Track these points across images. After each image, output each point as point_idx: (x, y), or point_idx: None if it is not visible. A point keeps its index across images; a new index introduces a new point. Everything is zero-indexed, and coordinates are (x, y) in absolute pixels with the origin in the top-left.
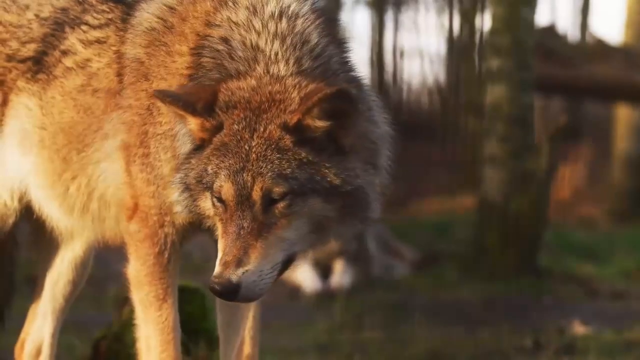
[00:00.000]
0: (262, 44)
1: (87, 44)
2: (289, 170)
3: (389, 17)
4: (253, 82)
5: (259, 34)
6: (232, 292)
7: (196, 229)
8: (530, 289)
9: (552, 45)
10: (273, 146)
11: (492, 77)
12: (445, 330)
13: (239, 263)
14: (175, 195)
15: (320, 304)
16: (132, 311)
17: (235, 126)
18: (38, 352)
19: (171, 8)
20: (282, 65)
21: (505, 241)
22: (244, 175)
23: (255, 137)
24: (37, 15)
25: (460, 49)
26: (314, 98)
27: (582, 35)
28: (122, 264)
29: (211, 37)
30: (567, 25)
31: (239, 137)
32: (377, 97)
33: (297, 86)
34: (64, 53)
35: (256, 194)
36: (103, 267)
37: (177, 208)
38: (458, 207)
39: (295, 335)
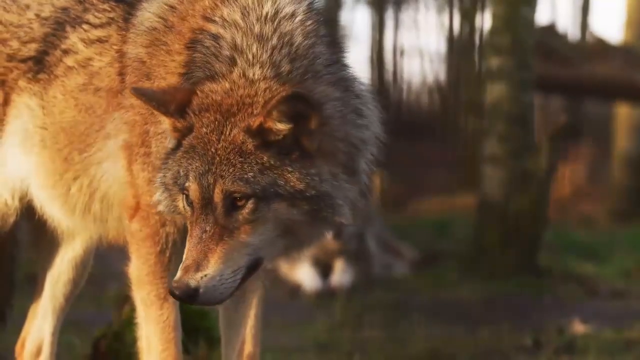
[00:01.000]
0: (244, 45)
1: (88, 43)
2: (250, 174)
3: (389, 16)
4: (227, 85)
5: (244, 34)
6: (190, 297)
7: None
8: (530, 288)
9: (552, 44)
10: (236, 150)
11: (492, 76)
12: (445, 330)
13: (198, 267)
14: (157, 195)
15: (321, 303)
16: (132, 310)
17: (204, 129)
18: (38, 351)
19: (172, 7)
20: (257, 68)
21: (505, 240)
22: (208, 177)
23: (221, 140)
24: (37, 15)
25: (460, 48)
26: (273, 101)
27: (582, 35)
28: (122, 263)
29: (205, 31)
30: (567, 25)
31: (206, 140)
32: (373, 97)
33: (267, 90)
34: (65, 52)
35: (217, 197)
36: (103, 266)
37: (160, 208)
38: (458, 206)
39: (296, 334)
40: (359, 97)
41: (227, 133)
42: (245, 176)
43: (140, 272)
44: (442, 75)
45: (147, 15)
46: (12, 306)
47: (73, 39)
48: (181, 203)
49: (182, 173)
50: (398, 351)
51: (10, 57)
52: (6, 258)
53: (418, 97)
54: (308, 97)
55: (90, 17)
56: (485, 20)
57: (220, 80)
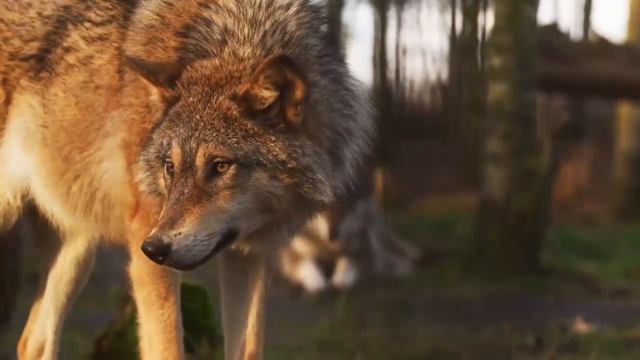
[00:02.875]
0: (235, 28)
1: (89, 40)
2: (234, 139)
3: (391, 15)
4: (217, 62)
5: (236, 19)
6: (162, 253)
7: None
8: (532, 287)
9: (554, 43)
10: (221, 116)
11: (495, 75)
12: (447, 328)
13: (173, 225)
14: (140, 174)
15: (323, 301)
16: (134, 310)
17: (191, 99)
18: (40, 351)
19: (169, 4)
20: (247, 47)
21: (508, 239)
22: (191, 142)
23: (207, 107)
24: (39, 14)
25: (462, 47)
26: (260, 65)
27: (585, 33)
28: (124, 263)
29: (199, 17)
30: (570, 23)
31: (192, 108)
32: (366, 93)
33: (256, 64)
34: (67, 50)
35: (199, 160)
36: (105, 265)
37: (142, 187)
38: (460, 205)
39: (298, 333)
40: (349, 91)
41: (214, 101)
42: (229, 141)
43: (141, 272)
44: (445, 74)
45: (145, 13)
46: (17, 304)
47: (74, 36)
48: (162, 180)
49: (165, 143)
50: (400, 350)
51: (12, 56)
52: (10, 257)
53: (420, 96)
54: (294, 63)
55: (92, 14)
56: (487, 19)
57: (211, 57)
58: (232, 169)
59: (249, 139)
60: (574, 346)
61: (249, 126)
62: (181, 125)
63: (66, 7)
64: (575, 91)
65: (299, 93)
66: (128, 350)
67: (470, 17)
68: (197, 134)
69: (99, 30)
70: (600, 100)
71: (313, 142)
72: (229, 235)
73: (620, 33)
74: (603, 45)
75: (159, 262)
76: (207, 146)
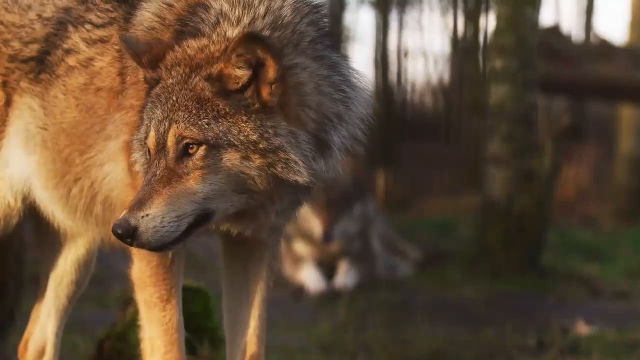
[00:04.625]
0: (229, 11)
1: (90, 42)
2: (205, 120)
3: (393, 17)
4: (204, 42)
5: (232, 3)
6: (129, 235)
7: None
8: (534, 288)
9: (556, 45)
10: (195, 97)
11: (496, 77)
12: (449, 330)
13: (141, 207)
14: (134, 154)
15: (324, 303)
16: (136, 311)
17: (170, 80)
18: (41, 352)
19: (169, 5)
20: (236, 28)
21: (509, 240)
22: (165, 123)
23: (183, 89)
24: (39, 15)
25: (464, 49)
26: (231, 44)
27: (586, 35)
28: (125, 264)
29: (199, 4)
30: (571, 25)
31: (170, 90)
32: (363, 83)
33: None
34: (67, 52)
35: (170, 141)
36: (107, 267)
37: (137, 167)
38: (462, 206)
39: (300, 335)
40: (344, 78)
41: (190, 82)
42: (199, 122)
43: (142, 274)
44: (446, 76)
45: (146, 15)
46: (21, 306)
47: (75, 38)
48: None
49: (147, 125)
50: (402, 351)
51: (12, 58)
52: (14, 259)
53: (422, 98)
54: (265, 41)
55: (92, 16)
56: (489, 21)
57: (199, 38)
58: (201, 150)
59: (220, 120)
60: (576, 348)
61: (220, 107)
62: (159, 107)
63: (66, 9)
64: (577, 93)
65: (271, 72)
66: (129, 352)
67: (472, 19)
68: (171, 115)
69: (99, 33)
70: (602, 102)
71: (290, 123)
72: (203, 217)
73: (622, 35)
74: (604, 47)
75: (129, 244)
76: (177, 127)
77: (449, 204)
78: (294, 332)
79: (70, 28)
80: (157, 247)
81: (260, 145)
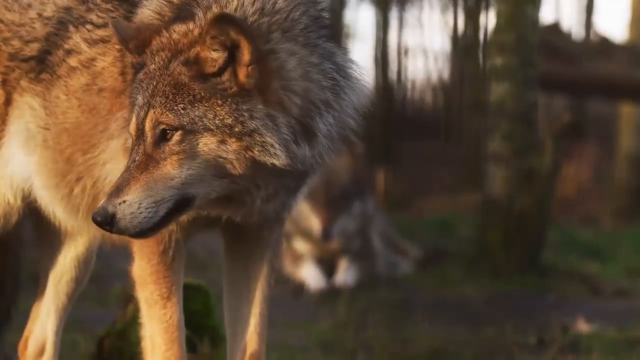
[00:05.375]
0: None
1: (91, 43)
2: (181, 105)
3: (393, 15)
4: (190, 26)
5: None
6: (107, 223)
7: (200, 226)
8: (534, 286)
9: (556, 43)
10: (173, 82)
11: (496, 75)
12: (449, 328)
13: (118, 194)
14: (128, 141)
15: (324, 301)
16: (136, 309)
17: (153, 66)
18: (41, 350)
19: (170, 2)
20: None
21: (509, 239)
22: (145, 109)
23: (163, 74)
24: (39, 14)
25: (464, 47)
26: (205, 26)
27: (587, 33)
28: (126, 262)
29: None
30: (572, 23)
31: (151, 76)
32: (359, 75)
33: None
34: (69, 52)
35: (147, 127)
36: (107, 265)
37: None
38: (462, 204)
39: (300, 333)
40: (337, 66)
41: (170, 67)
42: (175, 107)
43: (143, 271)
44: (446, 74)
45: (146, 12)
46: (19, 304)
47: (76, 38)
48: None
49: (131, 111)
50: (402, 350)
51: (12, 57)
52: (12, 257)
53: (422, 96)
54: (237, 21)
55: (93, 16)
56: (489, 19)
57: (188, 21)
58: (177, 135)
59: (196, 104)
60: (576, 346)
61: (196, 91)
62: (140, 92)
63: (67, 9)
64: (577, 91)
65: (246, 53)
66: (130, 350)
67: (472, 16)
68: (150, 101)
69: (100, 33)
70: (602, 100)
71: (270, 106)
72: (183, 202)
73: (622, 33)
74: (604, 45)
75: (108, 231)
76: (154, 112)
77: (449, 203)
78: (294, 330)
79: (71, 28)
80: (136, 233)
81: (236, 129)
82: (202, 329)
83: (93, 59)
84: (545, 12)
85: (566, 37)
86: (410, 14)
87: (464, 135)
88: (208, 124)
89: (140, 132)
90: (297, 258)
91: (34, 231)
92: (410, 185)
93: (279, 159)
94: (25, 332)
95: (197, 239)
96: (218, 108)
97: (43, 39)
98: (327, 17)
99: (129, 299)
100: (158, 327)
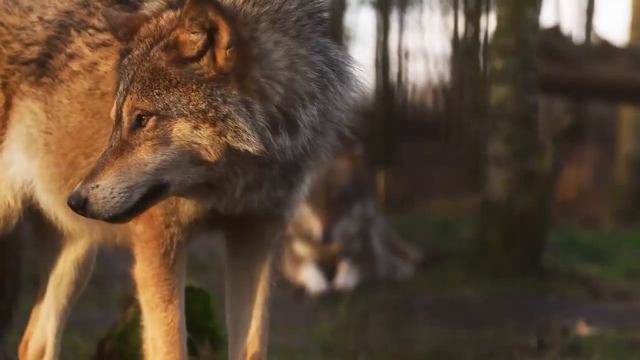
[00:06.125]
0: None
1: (93, 47)
2: (156, 90)
3: (393, 17)
4: (179, 12)
5: None
6: (80, 207)
7: (202, 228)
8: (535, 288)
9: (556, 45)
10: (151, 68)
11: (497, 78)
12: (450, 330)
13: (92, 178)
14: None
15: (325, 304)
16: (137, 311)
17: (137, 52)
18: (42, 352)
19: (169, 2)
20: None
21: (510, 241)
22: (123, 94)
23: (143, 60)
24: (40, 18)
25: (464, 50)
26: (184, 8)
27: (587, 36)
28: (127, 263)
29: None
30: (572, 26)
31: (133, 62)
32: (354, 71)
33: None
34: (71, 57)
35: (124, 112)
36: (108, 267)
37: None
38: (462, 206)
39: (300, 335)
40: (328, 60)
41: (151, 53)
42: (151, 93)
43: (144, 274)
44: (447, 77)
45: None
46: (19, 306)
47: (78, 43)
48: None
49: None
50: (402, 352)
51: (12, 59)
52: (11, 259)
53: (423, 99)
54: (215, 3)
55: (95, 21)
56: (489, 22)
57: (178, 9)
58: (152, 121)
59: (171, 90)
60: (576, 348)
61: (172, 76)
62: (123, 79)
63: (68, 12)
64: (577, 94)
65: (224, 35)
66: (130, 353)
67: (473, 19)
68: (129, 87)
69: (102, 37)
70: (602, 103)
71: (247, 93)
72: (158, 188)
73: (623, 36)
74: (605, 47)
75: (82, 215)
76: (131, 98)
77: (450, 205)
78: (295, 333)
79: (73, 32)
80: (109, 218)
81: (209, 114)
82: (202, 331)
83: (95, 63)
84: (546, 14)
85: (566, 39)
86: (411, 16)
87: (465, 137)
88: (182, 110)
89: (118, 118)
90: (298, 261)
91: (34, 234)
92: (410, 187)
93: (252, 145)
94: (26, 335)
95: (199, 241)
96: (192, 93)
97: (44, 42)
98: (324, 13)
99: (129, 301)
100: (159, 330)
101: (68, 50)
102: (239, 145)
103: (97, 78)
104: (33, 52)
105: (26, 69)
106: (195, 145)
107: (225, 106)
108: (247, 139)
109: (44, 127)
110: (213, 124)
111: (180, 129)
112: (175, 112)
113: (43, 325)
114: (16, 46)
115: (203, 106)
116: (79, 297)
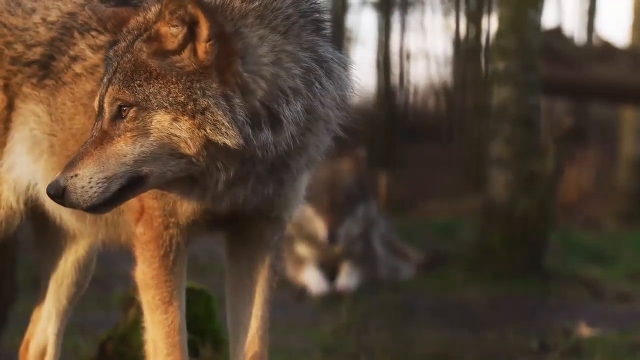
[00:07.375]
0: None
1: (96, 49)
2: (137, 82)
3: (395, 18)
4: (161, 6)
5: None
6: (59, 196)
7: (201, 229)
8: (536, 290)
9: (558, 47)
10: (133, 59)
11: (498, 79)
12: (451, 332)
13: (72, 168)
14: None
15: (326, 305)
16: (139, 313)
17: (123, 43)
18: (42, 354)
19: None
20: None
21: (511, 243)
22: (106, 85)
23: (127, 52)
24: (43, 19)
25: (466, 51)
26: (164, 2)
27: (589, 37)
28: (128, 265)
29: None
30: (574, 27)
31: (118, 54)
32: (345, 71)
33: None
34: (74, 59)
35: (106, 103)
36: (109, 268)
37: None
38: (464, 208)
39: (302, 337)
40: (317, 57)
41: (135, 45)
42: (132, 84)
43: (145, 275)
44: (449, 78)
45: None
46: (15, 307)
47: (81, 45)
48: None
49: None
50: (404, 354)
51: (14, 60)
52: (7, 259)
53: (424, 100)
54: None
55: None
56: (491, 23)
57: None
58: (132, 112)
59: (152, 81)
60: (578, 350)
61: (153, 67)
62: (107, 70)
63: (71, 14)
64: (579, 95)
65: (204, 28)
66: (132, 354)
67: (474, 21)
68: (111, 78)
69: (105, 39)
70: (604, 104)
71: (227, 87)
72: (137, 180)
73: (624, 37)
74: (607, 49)
75: (60, 204)
76: (112, 89)
77: (451, 206)
78: (296, 334)
79: (76, 34)
80: (87, 208)
81: (189, 107)
82: (203, 332)
83: (98, 65)
84: (547, 16)
85: (568, 41)
86: (413, 17)
87: (466, 139)
88: (162, 102)
89: (100, 109)
90: (299, 262)
91: (34, 235)
92: (412, 189)
93: (230, 139)
94: (27, 336)
95: (199, 243)
96: (172, 85)
97: (47, 44)
98: (321, 13)
99: (131, 302)
100: (160, 332)
101: (71, 53)
102: (218, 139)
103: (99, 80)
104: (35, 53)
105: (29, 70)
106: (175, 138)
107: (204, 99)
108: (225, 132)
109: (48, 129)
110: (192, 117)
111: (160, 121)
112: (155, 104)
113: (44, 326)
114: (19, 47)
115: (182, 98)
116: (80, 298)
